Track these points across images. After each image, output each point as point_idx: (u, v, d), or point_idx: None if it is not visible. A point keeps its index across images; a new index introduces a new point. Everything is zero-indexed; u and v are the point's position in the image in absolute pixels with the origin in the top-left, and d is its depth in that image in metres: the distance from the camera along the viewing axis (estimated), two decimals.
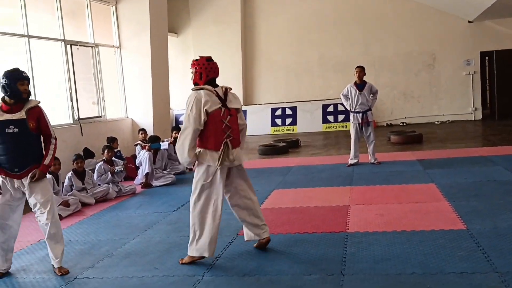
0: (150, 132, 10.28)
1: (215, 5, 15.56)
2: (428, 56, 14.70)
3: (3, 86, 3.97)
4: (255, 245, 4.33)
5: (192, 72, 4.05)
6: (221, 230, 4.94)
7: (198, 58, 4.05)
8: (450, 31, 14.40)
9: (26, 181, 4.03)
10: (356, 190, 6.42)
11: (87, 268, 4.18)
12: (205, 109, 3.83)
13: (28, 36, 8.32)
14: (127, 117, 11.28)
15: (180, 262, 4.09)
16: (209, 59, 4.04)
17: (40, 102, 4.16)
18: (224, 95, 4.00)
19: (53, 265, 4.15)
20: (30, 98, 4.09)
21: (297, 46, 15.54)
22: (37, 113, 4.04)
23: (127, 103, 11.28)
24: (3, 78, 3.97)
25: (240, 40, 15.60)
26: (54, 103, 9.29)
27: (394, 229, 4.59)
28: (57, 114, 9.13)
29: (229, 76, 15.66)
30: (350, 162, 8.23)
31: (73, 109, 9.34)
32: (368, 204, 5.64)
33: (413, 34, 14.68)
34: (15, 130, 3.94)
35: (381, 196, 5.97)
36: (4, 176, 4.05)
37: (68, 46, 9.43)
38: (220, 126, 3.91)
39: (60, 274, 4.06)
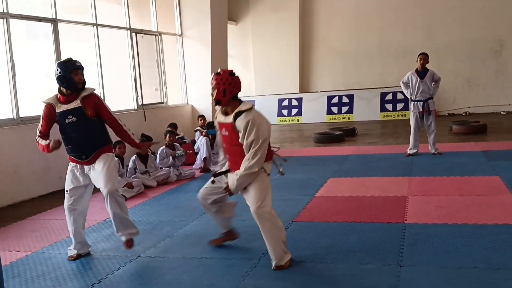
0: (209, 118, 10.52)
1: None
2: (495, 42, 13.94)
3: (58, 77, 4.00)
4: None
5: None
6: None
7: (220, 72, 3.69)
8: None
9: (95, 166, 4.09)
10: (415, 180, 6.28)
11: (150, 248, 4.39)
12: None
13: (97, 25, 8.73)
14: (187, 103, 11.60)
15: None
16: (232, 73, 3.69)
17: (95, 89, 4.19)
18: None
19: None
20: (86, 87, 4.13)
21: (356, 32, 15.22)
22: (93, 100, 4.07)
23: (188, 90, 11.59)
24: (57, 70, 4.00)
25: (298, 26, 15.50)
26: (120, 89, 9.72)
27: (455, 222, 4.48)
28: (122, 100, 9.56)
29: (286, 63, 15.69)
30: (409, 152, 8.05)
31: (137, 95, 9.74)
32: (427, 195, 5.52)
33: (479, 18, 13.94)
34: (74, 119, 4.00)
35: (442, 188, 5.81)
36: (74, 164, 4.14)
37: (133, 34, 9.80)
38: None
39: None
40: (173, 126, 9.07)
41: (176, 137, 8.98)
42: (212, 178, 3.99)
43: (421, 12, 14.46)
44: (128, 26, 9.68)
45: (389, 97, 14.50)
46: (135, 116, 9.46)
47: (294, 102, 15.36)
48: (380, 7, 14.85)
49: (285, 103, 15.43)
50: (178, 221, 5.18)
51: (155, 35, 10.67)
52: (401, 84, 8.08)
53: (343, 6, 15.25)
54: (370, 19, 14.99)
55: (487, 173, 6.41)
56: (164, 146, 7.63)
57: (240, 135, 3.58)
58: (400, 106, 14.24)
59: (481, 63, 14.14)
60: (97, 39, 8.70)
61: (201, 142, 8.05)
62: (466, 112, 14.19)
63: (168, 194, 6.59)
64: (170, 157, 7.44)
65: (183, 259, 4.06)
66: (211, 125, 8.52)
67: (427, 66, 7.88)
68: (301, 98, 15.33)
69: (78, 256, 4.26)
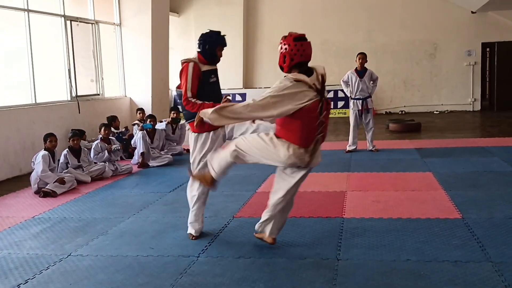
0: (149, 112, 10.23)
1: None
2: (430, 46, 14.59)
3: (206, 46, 4.11)
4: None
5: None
6: (218, 212, 4.97)
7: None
8: (453, 21, 14.27)
9: None
10: (354, 176, 6.41)
11: (81, 246, 4.18)
12: None
13: (28, 10, 8.19)
14: (125, 96, 11.21)
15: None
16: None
17: None
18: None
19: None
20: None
21: (299, 30, 15.00)
22: None
23: (126, 82, 11.20)
24: (209, 37, 4.15)
25: (242, 22, 15.43)
26: (52, 80, 9.21)
27: (390, 216, 4.59)
28: (54, 91, 9.07)
29: (230, 58, 15.55)
30: (348, 148, 8.22)
31: (71, 86, 9.26)
32: (365, 190, 5.64)
33: (416, 22, 14.53)
34: (215, 79, 4.26)
35: (378, 183, 5.96)
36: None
37: (68, 22, 9.31)
38: None
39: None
40: (113, 119, 8.74)
41: (117, 131, 8.66)
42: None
43: (362, 15, 14.85)
44: (62, 13, 9.18)
45: (330, 95, 14.74)
46: (69, 108, 8.98)
47: (238, 98, 15.29)
48: (324, 8, 15.09)
49: (229, 98, 15.30)
50: (113, 218, 4.96)
51: (92, 23, 10.20)
52: (342, 83, 8.23)
53: (288, 5, 15.36)
54: (314, 19, 15.19)
55: (421, 169, 6.66)
56: (98, 140, 7.30)
57: None
58: (340, 104, 14.57)
59: (417, 64, 14.76)
60: (28, 25, 8.16)
61: (137, 136, 7.77)
62: (402, 111, 14.76)
63: (103, 190, 6.30)
64: (106, 151, 7.13)
65: (117, 257, 3.88)
66: (148, 118, 8.28)
67: (366, 66, 8.07)
68: (245, 94, 15.30)
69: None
